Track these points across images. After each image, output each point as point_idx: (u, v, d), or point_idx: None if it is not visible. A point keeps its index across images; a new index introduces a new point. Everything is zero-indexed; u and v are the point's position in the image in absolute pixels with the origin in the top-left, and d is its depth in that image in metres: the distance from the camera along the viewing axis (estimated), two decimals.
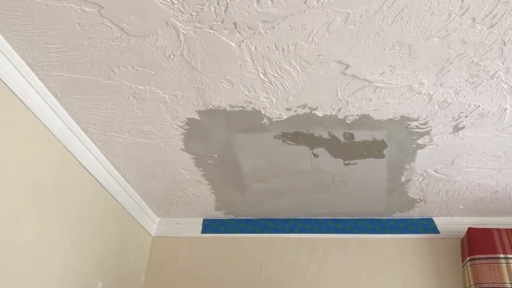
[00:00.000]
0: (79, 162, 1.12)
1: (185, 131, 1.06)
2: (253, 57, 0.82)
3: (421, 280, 1.34)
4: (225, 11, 0.72)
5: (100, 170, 1.20)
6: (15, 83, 0.89)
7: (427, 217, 1.41)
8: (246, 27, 0.75)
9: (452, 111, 0.92)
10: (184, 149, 1.14)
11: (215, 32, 0.77)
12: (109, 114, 1.02)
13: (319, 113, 0.96)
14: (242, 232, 1.52)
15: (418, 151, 1.07)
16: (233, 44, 0.79)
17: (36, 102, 0.94)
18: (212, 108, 0.97)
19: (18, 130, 0.92)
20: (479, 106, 0.90)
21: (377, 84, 0.86)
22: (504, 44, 0.75)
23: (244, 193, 1.36)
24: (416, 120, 0.96)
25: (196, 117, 1.01)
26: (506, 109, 0.90)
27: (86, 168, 1.15)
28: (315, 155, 1.13)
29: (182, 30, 0.77)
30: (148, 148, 1.14)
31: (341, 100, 0.92)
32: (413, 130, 0.99)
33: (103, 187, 1.24)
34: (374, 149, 1.07)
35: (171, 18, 0.75)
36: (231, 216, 1.54)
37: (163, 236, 1.56)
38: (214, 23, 0.75)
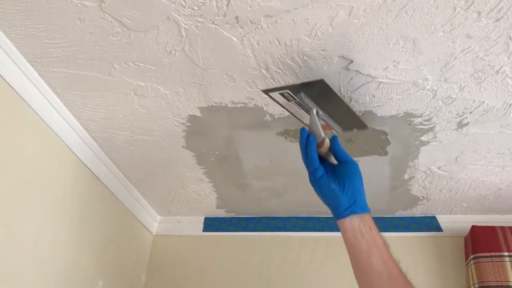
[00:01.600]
0: (80, 159, 1.12)
1: (187, 128, 1.05)
2: (255, 52, 0.81)
3: (424, 278, 1.33)
4: (227, 5, 0.71)
5: (101, 168, 1.19)
6: (14, 79, 0.88)
7: (430, 215, 1.40)
8: (249, 22, 0.74)
9: (456, 107, 0.91)
10: (185, 146, 1.13)
11: (217, 27, 0.76)
12: (109, 111, 1.01)
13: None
14: (243, 230, 1.51)
15: (422, 148, 1.06)
16: (235, 39, 0.78)
17: (36, 99, 0.94)
18: (214, 104, 0.97)
19: (18, 127, 0.92)
20: (483, 102, 0.89)
21: (380, 80, 0.85)
22: (510, 38, 0.74)
23: (245, 191, 1.35)
24: (420, 116, 0.95)
25: (198, 113, 1.00)
26: (511, 105, 0.89)
27: (86, 166, 1.14)
28: None
29: (183, 25, 0.76)
30: (149, 145, 1.13)
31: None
32: (417, 126, 0.98)
33: (104, 185, 1.23)
34: (377, 146, 1.07)
35: (173, 13, 0.74)
36: (233, 214, 1.53)
37: (164, 234, 1.55)
38: (216, 18, 0.74)
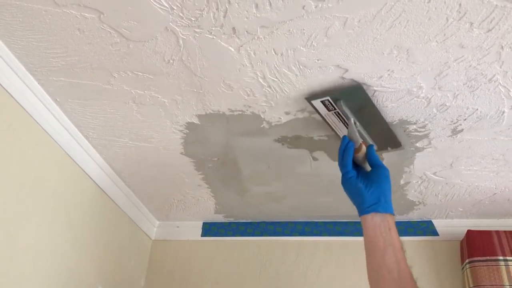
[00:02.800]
0: (79, 166, 1.13)
1: (185, 135, 1.07)
2: (252, 61, 0.82)
3: (420, 282, 1.31)
4: (224, 17, 0.73)
5: (100, 174, 1.20)
6: (15, 88, 0.89)
7: (426, 219, 1.41)
8: (245, 32, 0.76)
9: (451, 115, 0.93)
10: (183, 153, 1.14)
11: (214, 37, 0.77)
12: (109, 119, 1.02)
13: (318, 117, 0.96)
14: (242, 235, 1.52)
15: (417, 154, 1.07)
16: (232, 49, 0.80)
17: (36, 107, 0.95)
18: (212, 112, 0.98)
19: (18, 135, 0.93)
20: (477, 109, 0.90)
21: (375, 88, 0.87)
22: (502, 48, 0.75)
23: (244, 196, 1.36)
24: (415, 123, 0.96)
25: (196, 121, 1.01)
26: (504, 112, 0.91)
27: (86, 172, 1.15)
28: (315, 159, 1.13)
29: (181, 35, 0.77)
30: (147, 152, 1.14)
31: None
32: (412, 133, 0.99)
33: (103, 191, 1.24)
34: None
35: (170, 24, 0.75)
36: (231, 219, 1.54)
37: (163, 239, 1.56)
38: (213, 28, 0.75)
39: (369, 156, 0.89)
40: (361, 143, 0.89)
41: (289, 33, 0.75)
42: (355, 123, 0.92)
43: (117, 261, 1.33)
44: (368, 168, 0.90)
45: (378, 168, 0.88)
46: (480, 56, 0.78)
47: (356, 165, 0.90)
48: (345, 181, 0.88)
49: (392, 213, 0.84)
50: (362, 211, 0.84)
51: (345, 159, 0.88)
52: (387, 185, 0.86)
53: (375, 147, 0.94)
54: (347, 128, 0.94)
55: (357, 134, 0.90)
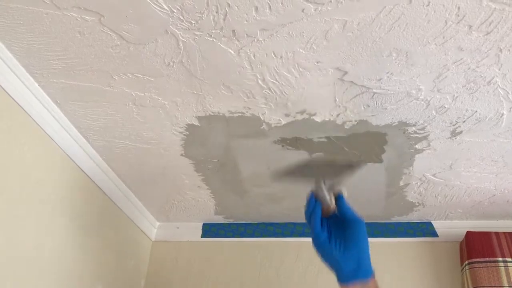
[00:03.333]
0: (80, 168, 1.13)
1: (185, 137, 1.07)
2: (252, 64, 0.83)
3: (420, 284, 1.34)
4: (224, 19, 0.73)
5: (101, 176, 1.21)
6: (15, 90, 0.90)
7: (426, 220, 1.41)
8: (245, 35, 0.76)
9: (450, 117, 0.93)
10: (183, 154, 1.14)
11: (214, 40, 0.78)
12: (109, 121, 1.02)
13: (318, 119, 0.97)
14: (241, 236, 1.52)
15: (416, 155, 1.07)
16: (232, 52, 0.80)
17: (36, 109, 0.95)
18: (212, 114, 0.98)
19: (19, 137, 0.93)
20: (476, 111, 0.91)
21: (374, 90, 0.87)
22: (500, 50, 0.76)
23: (243, 198, 1.36)
24: (414, 125, 0.96)
25: (196, 123, 1.01)
26: (503, 114, 0.91)
27: (86, 174, 1.16)
28: None
29: (181, 38, 0.78)
30: (148, 153, 1.14)
31: (339, 106, 0.92)
32: (411, 135, 1.00)
33: (104, 192, 1.25)
34: (372, 154, 1.08)
35: (171, 26, 0.75)
36: (231, 220, 1.54)
37: (163, 240, 1.56)
38: (213, 31, 0.76)
39: (341, 210, 0.84)
40: (329, 205, 0.85)
41: (288, 36, 0.76)
42: (324, 182, 0.87)
43: (118, 262, 1.34)
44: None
45: (352, 223, 0.81)
46: (479, 58, 0.78)
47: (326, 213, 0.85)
48: (316, 244, 0.81)
49: (372, 276, 0.77)
50: (341, 279, 0.77)
51: (313, 221, 0.82)
52: (364, 241, 0.80)
53: (345, 194, 0.87)
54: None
55: (326, 194, 0.85)
